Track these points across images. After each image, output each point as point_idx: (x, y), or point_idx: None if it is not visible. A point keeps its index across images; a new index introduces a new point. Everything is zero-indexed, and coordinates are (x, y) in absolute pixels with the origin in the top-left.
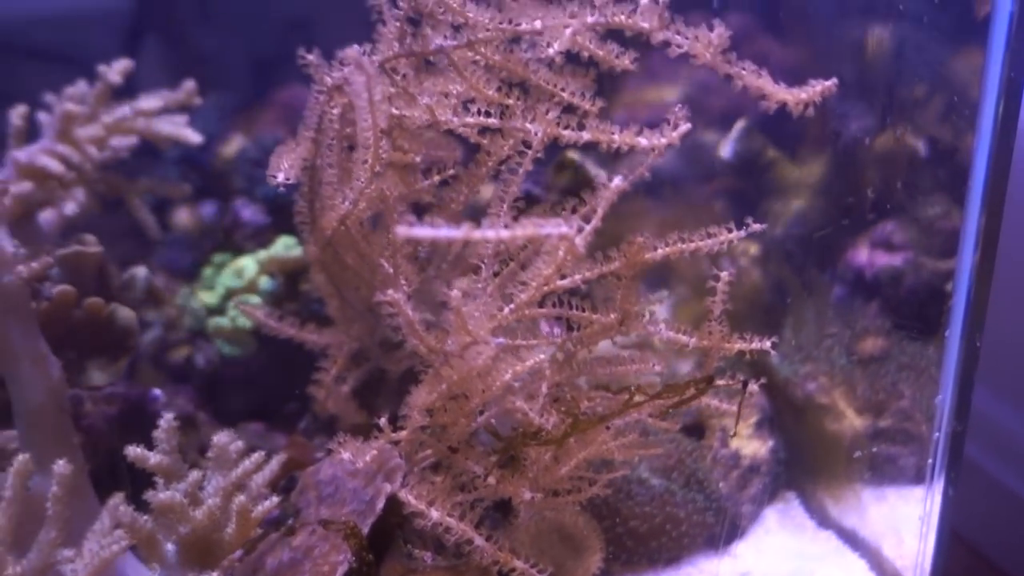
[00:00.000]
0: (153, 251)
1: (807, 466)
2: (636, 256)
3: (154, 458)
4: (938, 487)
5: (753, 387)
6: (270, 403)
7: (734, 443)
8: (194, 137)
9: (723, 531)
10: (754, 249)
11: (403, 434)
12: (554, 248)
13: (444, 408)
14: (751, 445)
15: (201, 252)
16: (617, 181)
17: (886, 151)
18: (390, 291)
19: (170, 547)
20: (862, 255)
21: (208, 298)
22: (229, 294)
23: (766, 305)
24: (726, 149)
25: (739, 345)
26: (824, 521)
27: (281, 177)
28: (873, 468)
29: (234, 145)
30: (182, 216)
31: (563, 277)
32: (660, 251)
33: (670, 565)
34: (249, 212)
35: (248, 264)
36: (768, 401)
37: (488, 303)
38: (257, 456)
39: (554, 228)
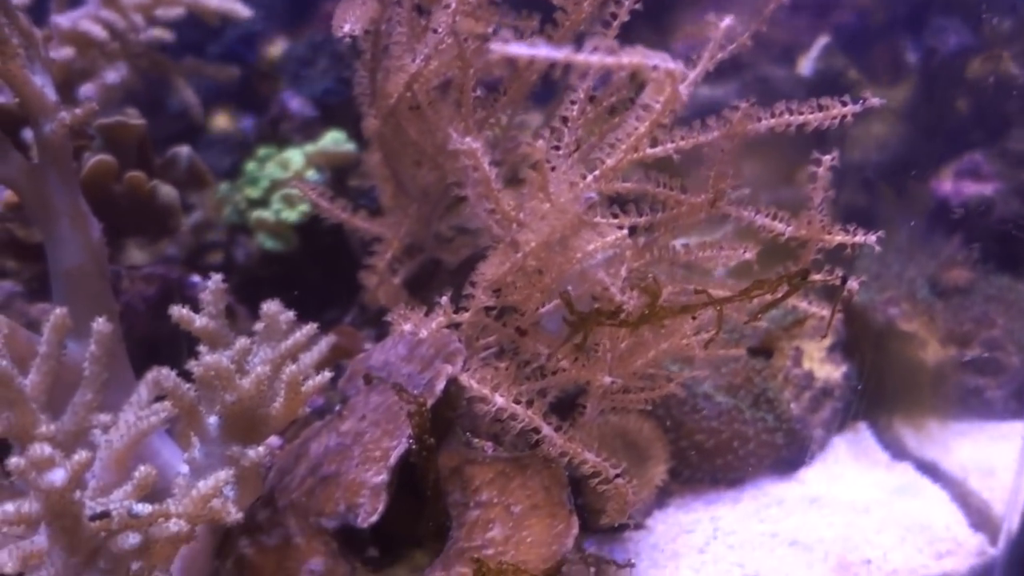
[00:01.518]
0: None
1: (883, 395)
2: (738, 125)
3: (200, 320)
4: None
5: (853, 284)
6: (311, 304)
7: (806, 364)
8: (244, 11)
9: (789, 454)
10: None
11: (465, 316)
12: (655, 86)
13: (515, 284)
14: (824, 368)
15: (240, 155)
16: None
17: (981, 75)
18: (467, 138)
19: (212, 420)
20: (947, 185)
21: (251, 191)
22: (273, 186)
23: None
24: (806, 66)
25: (840, 237)
26: (900, 453)
27: (347, 28)
28: (957, 400)
29: (280, 46)
30: (220, 120)
31: (654, 144)
32: (764, 122)
33: (733, 487)
34: (297, 103)
35: (295, 156)
36: (843, 326)
37: (569, 170)
38: (308, 328)
39: (661, 60)
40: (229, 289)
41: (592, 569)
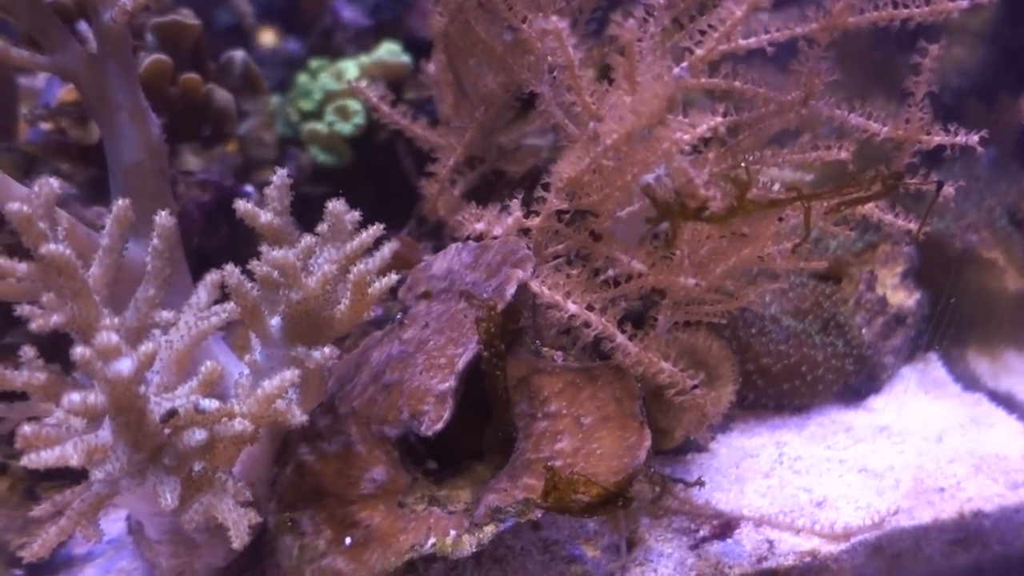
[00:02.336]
0: None
1: (957, 325)
2: (839, 17)
3: (264, 215)
4: None
5: (949, 190)
6: (363, 222)
7: (878, 289)
8: None
9: (859, 380)
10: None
11: (536, 220)
12: None
13: (591, 185)
14: (897, 295)
15: (288, 71)
16: None
17: None
18: (553, 17)
19: (275, 322)
20: None
21: (304, 103)
22: (327, 98)
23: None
24: None
25: (939, 138)
26: (972, 384)
27: None
28: None
29: None
30: (267, 37)
31: (747, 36)
32: (866, 15)
33: (798, 413)
34: (351, 13)
35: (349, 67)
36: (917, 253)
37: (656, 61)
38: (375, 229)
39: None
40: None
41: (657, 488)
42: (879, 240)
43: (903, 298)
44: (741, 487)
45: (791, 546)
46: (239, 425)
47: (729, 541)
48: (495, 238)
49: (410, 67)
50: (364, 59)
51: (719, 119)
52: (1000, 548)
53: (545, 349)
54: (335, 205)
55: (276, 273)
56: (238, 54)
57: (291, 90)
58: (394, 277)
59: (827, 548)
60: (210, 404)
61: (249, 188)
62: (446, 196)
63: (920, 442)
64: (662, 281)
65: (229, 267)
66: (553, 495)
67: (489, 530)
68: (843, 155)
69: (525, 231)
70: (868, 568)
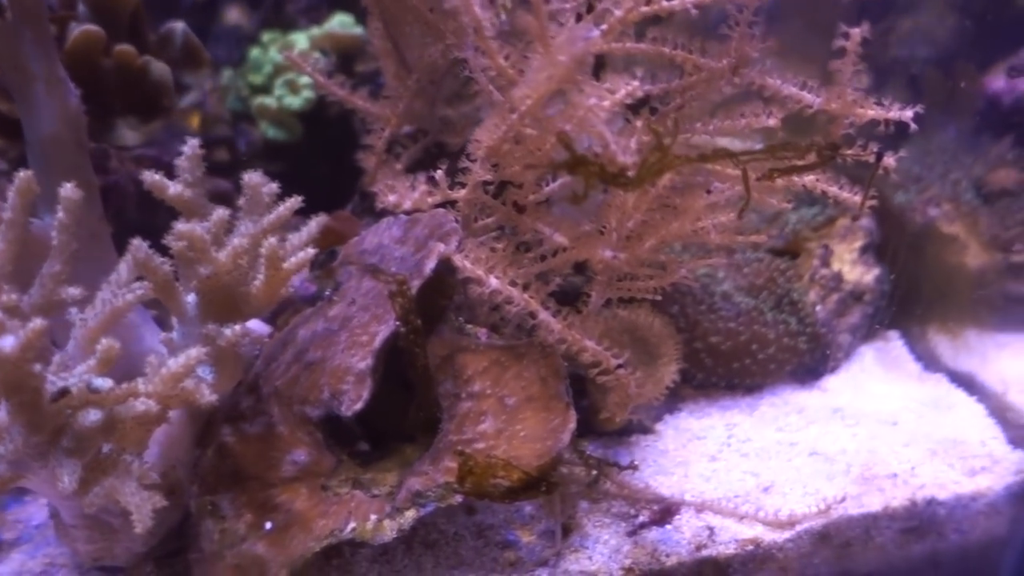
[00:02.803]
0: None
1: (918, 302)
2: None
3: (174, 188)
4: None
5: (890, 160)
6: (318, 199)
7: (835, 265)
8: None
9: (812, 360)
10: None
11: (462, 193)
12: None
13: (513, 154)
14: (855, 271)
15: (247, 45)
16: None
17: None
18: None
19: (190, 299)
20: (999, 81)
21: (254, 77)
22: (276, 71)
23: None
24: None
25: (873, 112)
26: (933, 364)
27: None
28: (999, 309)
29: None
30: (232, 14)
31: None
32: None
33: (750, 393)
34: None
35: (299, 39)
36: (878, 227)
37: (573, 26)
38: (293, 201)
39: None
40: (231, 188)
41: (594, 472)
42: (838, 214)
43: (861, 274)
44: (685, 470)
45: (733, 534)
46: (142, 405)
47: (668, 527)
48: (417, 211)
49: (362, 39)
50: (315, 31)
51: (636, 84)
52: (957, 538)
53: (470, 327)
54: (251, 177)
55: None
56: (178, 25)
57: (243, 63)
58: (311, 252)
59: (771, 536)
60: (104, 383)
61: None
62: (387, 170)
63: (874, 425)
64: (583, 254)
65: (136, 241)
66: (470, 480)
67: (410, 515)
68: (771, 122)
69: (452, 204)
70: (815, 558)
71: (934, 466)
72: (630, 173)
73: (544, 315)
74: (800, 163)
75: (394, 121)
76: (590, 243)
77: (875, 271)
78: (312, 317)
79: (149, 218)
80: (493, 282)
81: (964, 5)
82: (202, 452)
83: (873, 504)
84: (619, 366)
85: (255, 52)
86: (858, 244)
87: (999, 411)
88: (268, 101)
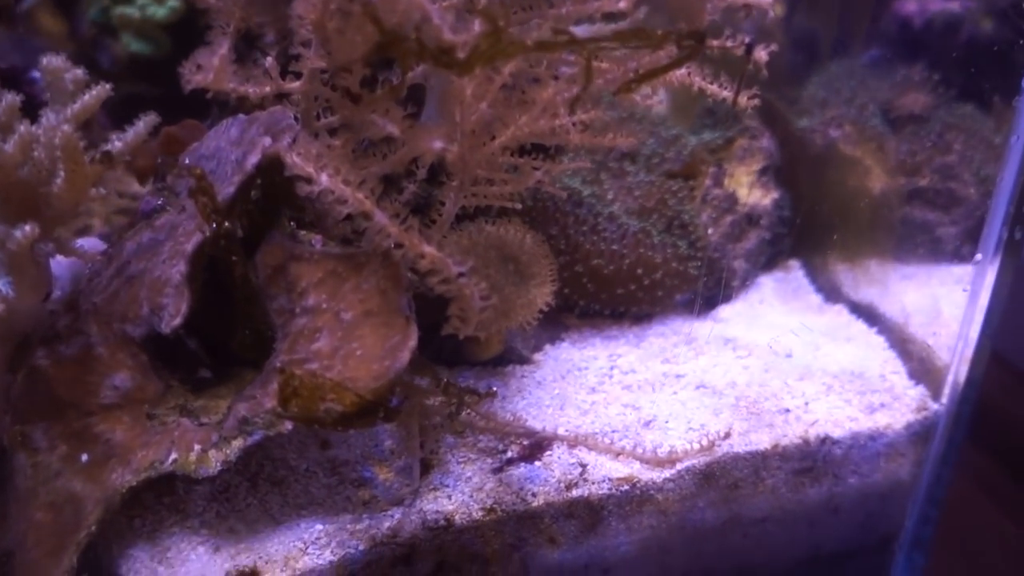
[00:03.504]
0: None
1: (819, 230)
2: None
3: None
4: (994, 259)
5: (762, 54)
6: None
7: (731, 188)
8: None
9: (705, 287)
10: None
11: (296, 84)
12: None
13: (337, 31)
14: (752, 193)
15: None
16: None
17: None
18: None
19: None
20: (911, 4)
21: None
22: None
23: (787, 62)
24: None
25: None
26: (834, 294)
27: None
28: (904, 237)
29: None
30: None
31: None
32: None
33: (638, 323)
34: None
35: None
36: (778, 150)
37: None
38: (100, 89)
39: None
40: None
41: (454, 401)
42: (735, 135)
43: (759, 197)
44: (562, 403)
45: (607, 471)
46: None
47: (537, 464)
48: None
49: None
50: None
51: None
52: (856, 481)
53: (303, 232)
54: (50, 60)
55: None
56: None
57: None
58: (119, 144)
59: (649, 475)
60: None
61: (37, 74)
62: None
63: (768, 357)
64: (414, 148)
65: None
66: (295, 402)
67: (237, 444)
68: (622, 5)
69: (286, 97)
70: (699, 500)
71: (829, 401)
72: (460, 55)
73: (379, 216)
74: (665, 63)
75: (238, 15)
76: (423, 134)
77: (773, 194)
78: (141, 229)
79: None
80: (324, 179)
81: None
82: (13, 378)
83: (762, 441)
84: (460, 274)
85: None
86: (757, 166)
87: (900, 343)
88: (130, 11)
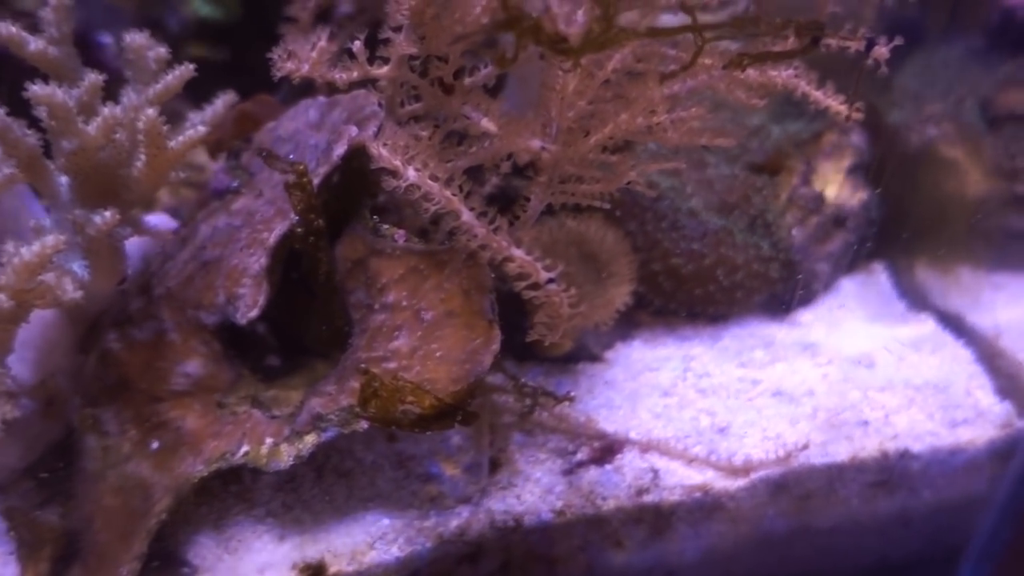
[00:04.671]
0: None
1: (909, 232)
2: None
3: (35, 43)
4: None
5: (882, 50)
6: (257, 86)
7: (818, 185)
8: None
9: (787, 289)
10: None
11: (384, 70)
12: None
13: (435, 19)
14: (840, 193)
15: None
16: None
17: None
18: None
19: (64, 180)
20: None
21: None
22: None
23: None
24: None
25: None
26: (920, 301)
27: None
28: (999, 245)
29: None
30: None
31: None
32: None
33: (714, 323)
34: None
35: None
36: (870, 147)
37: None
38: (184, 69)
39: None
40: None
41: (528, 401)
42: (824, 129)
43: (846, 197)
44: (634, 405)
45: (680, 478)
46: None
47: (608, 468)
48: (324, 82)
49: None
50: None
51: None
52: (930, 495)
53: (386, 227)
54: (134, 38)
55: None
56: None
57: None
58: (201, 129)
59: (722, 483)
60: None
61: (106, 38)
62: (317, 51)
63: (849, 365)
64: (509, 144)
65: None
66: (374, 403)
67: (310, 440)
68: None
69: (374, 82)
70: (771, 509)
71: (911, 415)
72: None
73: (467, 215)
74: (780, 51)
75: None
76: (519, 130)
77: (862, 194)
78: (216, 211)
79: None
80: (411, 174)
81: None
82: (86, 360)
83: (839, 453)
84: (550, 280)
85: None
86: (846, 163)
87: (989, 358)
88: None
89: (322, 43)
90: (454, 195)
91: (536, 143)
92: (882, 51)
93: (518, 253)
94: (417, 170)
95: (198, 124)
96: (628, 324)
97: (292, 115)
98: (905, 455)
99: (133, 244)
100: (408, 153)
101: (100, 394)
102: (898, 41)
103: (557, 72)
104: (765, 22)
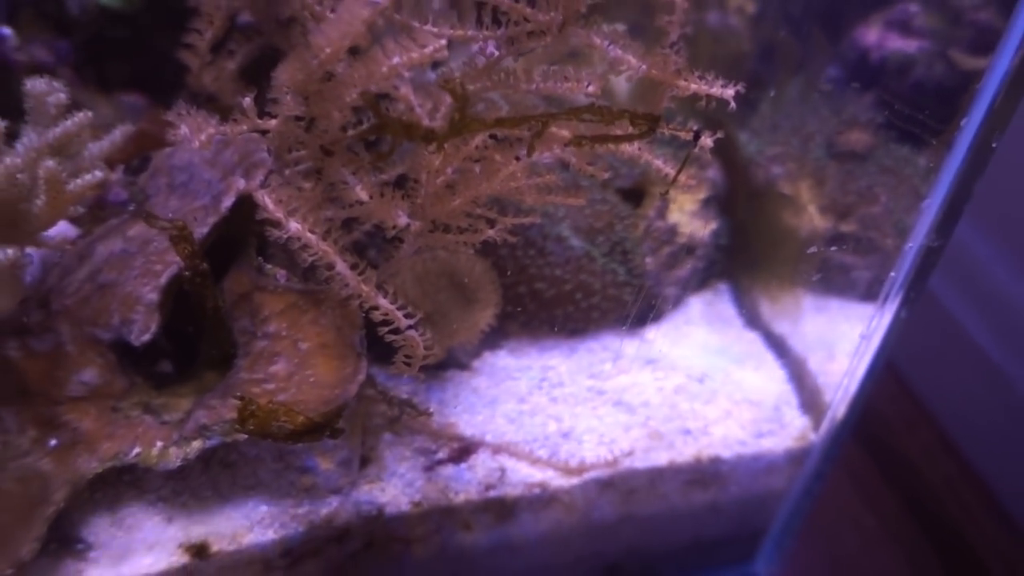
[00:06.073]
0: None
1: (749, 259)
2: None
3: None
4: (891, 307)
5: (707, 141)
6: (157, 73)
7: (674, 216)
8: None
9: (637, 310)
10: (750, 6)
11: (272, 122)
12: None
13: (317, 93)
14: (692, 223)
15: None
16: None
17: None
18: None
19: None
20: (872, 35)
21: None
22: None
23: (749, 73)
24: None
25: (696, 85)
26: (753, 321)
27: None
28: (822, 274)
29: None
30: None
31: None
32: None
33: (573, 336)
34: None
35: None
36: (723, 179)
37: None
38: (82, 116)
39: None
40: (66, 51)
41: (396, 410)
42: (686, 160)
43: (698, 227)
44: (492, 410)
45: (523, 476)
46: None
47: (463, 466)
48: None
49: None
50: None
51: (444, 43)
52: (737, 490)
53: (269, 267)
54: (34, 84)
55: None
56: None
57: None
58: (98, 175)
59: (559, 481)
60: None
61: (6, 31)
62: (215, 68)
63: (683, 379)
64: (378, 214)
65: None
66: (251, 421)
67: (196, 445)
68: (591, 89)
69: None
70: (599, 501)
71: (726, 426)
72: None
73: (341, 267)
74: (617, 133)
75: (218, 18)
76: (389, 204)
77: (713, 225)
78: (112, 233)
79: None
80: (292, 227)
81: None
82: None
83: (660, 459)
84: (410, 327)
85: None
86: (701, 196)
87: (798, 376)
88: None
89: (211, 129)
90: (330, 248)
91: (403, 219)
92: (707, 142)
93: (383, 302)
94: (298, 223)
95: (95, 160)
96: (497, 334)
97: (188, 146)
98: (716, 460)
99: (33, 253)
100: (291, 205)
101: (1, 396)
102: (740, 88)
103: (424, 151)
104: (605, 111)
